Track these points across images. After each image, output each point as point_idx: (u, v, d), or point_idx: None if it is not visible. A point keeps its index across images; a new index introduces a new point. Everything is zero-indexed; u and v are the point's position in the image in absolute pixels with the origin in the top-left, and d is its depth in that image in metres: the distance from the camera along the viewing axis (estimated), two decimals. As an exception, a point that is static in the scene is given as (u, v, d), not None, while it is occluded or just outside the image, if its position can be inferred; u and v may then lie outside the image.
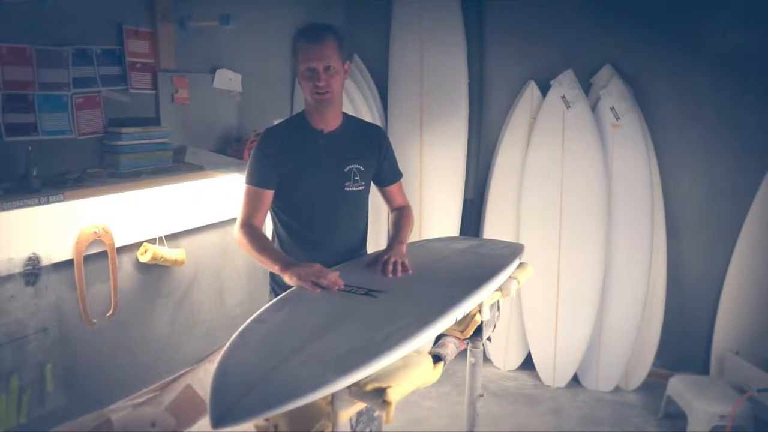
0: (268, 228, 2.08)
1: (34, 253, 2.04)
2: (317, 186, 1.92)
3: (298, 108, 3.26)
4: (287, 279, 1.68)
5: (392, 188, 2.12)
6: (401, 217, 2.09)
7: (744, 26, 3.07)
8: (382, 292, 1.63)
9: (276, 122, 2.15)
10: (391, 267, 1.78)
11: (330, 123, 1.94)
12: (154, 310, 2.58)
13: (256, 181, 1.89)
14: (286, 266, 1.70)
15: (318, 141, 1.93)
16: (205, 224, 2.76)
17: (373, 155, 2.02)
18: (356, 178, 1.96)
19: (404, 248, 1.93)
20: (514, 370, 3.65)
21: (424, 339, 1.41)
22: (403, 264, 1.81)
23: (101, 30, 2.32)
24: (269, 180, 1.89)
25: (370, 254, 1.99)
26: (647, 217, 3.26)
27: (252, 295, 3.09)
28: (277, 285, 1.96)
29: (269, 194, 1.90)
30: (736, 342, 3.18)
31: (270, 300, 1.97)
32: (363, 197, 2.03)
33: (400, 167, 2.16)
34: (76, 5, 2.18)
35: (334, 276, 1.63)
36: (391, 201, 2.14)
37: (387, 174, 2.10)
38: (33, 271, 2.04)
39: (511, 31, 3.58)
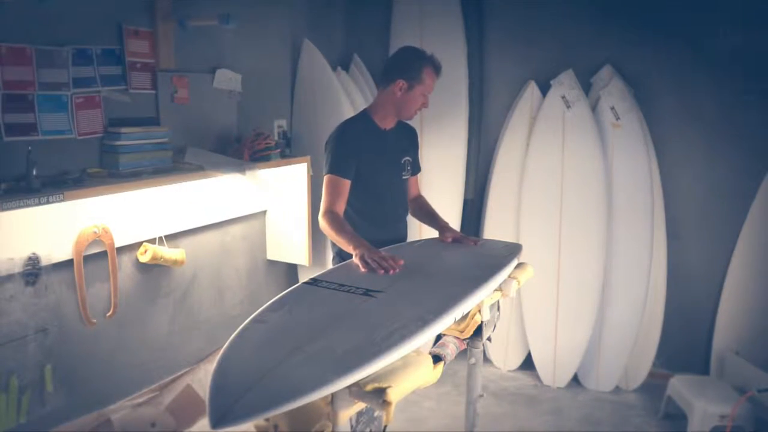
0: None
1: (34, 253, 2.04)
2: (387, 175, 2.29)
3: (299, 108, 3.30)
4: (354, 255, 1.91)
5: (414, 179, 2.49)
6: (427, 204, 2.50)
7: (744, 26, 3.07)
8: (381, 291, 1.63)
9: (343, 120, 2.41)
10: (468, 240, 2.25)
11: (391, 124, 2.31)
12: (154, 310, 2.58)
13: (340, 171, 2.15)
14: (356, 246, 1.94)
15: (384, 138, 2.28)
16: (205, 224, 2.76)
17: (413, 149, 2.43)
18: (408, 168, 2.37)
19: None
20: (514, 370, 3.65)
21: (424, 339, 1.41)
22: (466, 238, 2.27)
23: (101, 30, 2.32)
24: (351, 171, 2.17)
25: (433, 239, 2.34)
26: (647, 217, 3.26)
27: (252, 295, 3.09)
28: (340, 254, 2.25)
29: (349, 184, 2.17)
30: (736, 342, 3.18)
31: (334, 265, 2.24)
32: (408, 183, 2.44)
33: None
34: (76, 5, 2.18)
35: (392, 261, 1.82)
36: (411, 190, 2.48)
37: (415, 166, 2.45)
38: (33, 271, 2.04)
39: (512, 31, 3.58)
